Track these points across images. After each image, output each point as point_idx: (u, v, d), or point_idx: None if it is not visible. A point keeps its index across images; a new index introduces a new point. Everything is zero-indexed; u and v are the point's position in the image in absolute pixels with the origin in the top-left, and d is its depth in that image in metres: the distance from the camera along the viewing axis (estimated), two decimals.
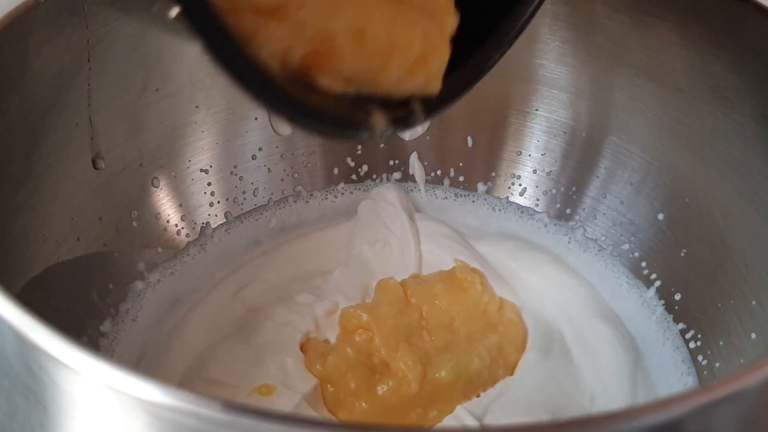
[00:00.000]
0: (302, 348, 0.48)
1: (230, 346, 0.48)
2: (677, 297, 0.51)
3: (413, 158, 0.60)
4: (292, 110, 0.27)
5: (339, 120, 0.29)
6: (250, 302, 0.51)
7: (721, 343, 0.47)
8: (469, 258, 0.53)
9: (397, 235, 0.55)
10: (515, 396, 0.46)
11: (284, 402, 0.44)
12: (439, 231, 0.56)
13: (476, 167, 0.59)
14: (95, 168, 0.49)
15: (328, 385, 0.46)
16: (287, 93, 0.27)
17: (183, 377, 0.46)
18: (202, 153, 0.55)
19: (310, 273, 0.54)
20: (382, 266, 0.54)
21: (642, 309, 0.52)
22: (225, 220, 0.56)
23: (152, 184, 0.53)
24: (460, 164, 0.60)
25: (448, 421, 0.45)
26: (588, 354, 0.49)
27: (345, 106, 0.29)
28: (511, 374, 0.48)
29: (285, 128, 0.58)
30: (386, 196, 0.57)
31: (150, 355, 0.48)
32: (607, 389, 0.47)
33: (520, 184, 0.59)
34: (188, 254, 0.54)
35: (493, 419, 0.45)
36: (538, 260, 0.54)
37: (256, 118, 0.57)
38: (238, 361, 0.46)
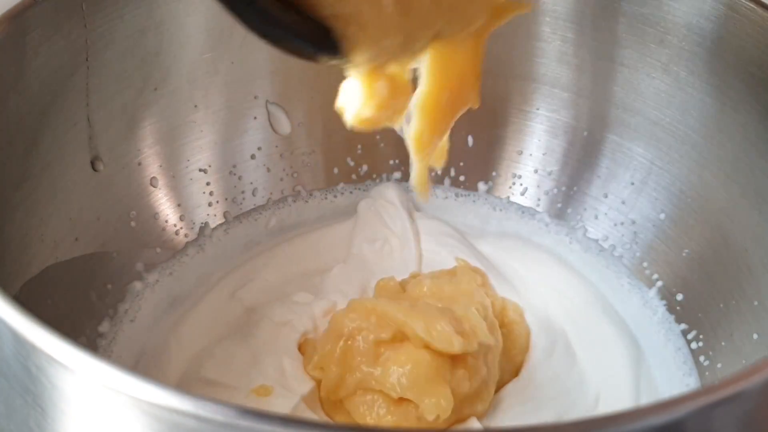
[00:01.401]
0: (300, 348, 0.48)
1: (228, 347, 0.47)
2: (679, 297, 0.51)
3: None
4: (269, 24, 0.29)
5: (314, 39, 0.30)
6: (247, 302, 0.51)
7: (723, 343, 0.47)
8: (470, 257, 0.53)
9: (397, 233, 0.55)
10: (520, 397, 0.46)
11: (282, 403, 0.44)
12: (440, 230, 0.56)
13: (477, 167, 0.59)
14: (94, 170, 0.49)
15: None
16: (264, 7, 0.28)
17: (181, 378, 0.46)
18: (200, 152, 0.55)
19: (309, 272, 0.54)
20: (381, 265, 0.54)
21: (643, 309, 0.52)
22: (224, 220, 0.56)
23: (151, 184, 0.53)
24: (461, 164, 0.59)
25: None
26: (592, 354, 0.49)
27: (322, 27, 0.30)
28: (516, 376, 0.48)
29: (284, 127, 0.58)
30: (386, 194, 0.57)
31: (148, 355, 0.48)
32: (611, 389, 0.47)
33: (521, 184, 0.59)
34: (187, 254, 0.54)
35: (497, 421, 0.45)
36: (540, 259, 0.54)
37: (255, 118, 0.57)
38: (235, 361, 0.46)
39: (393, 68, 0.35)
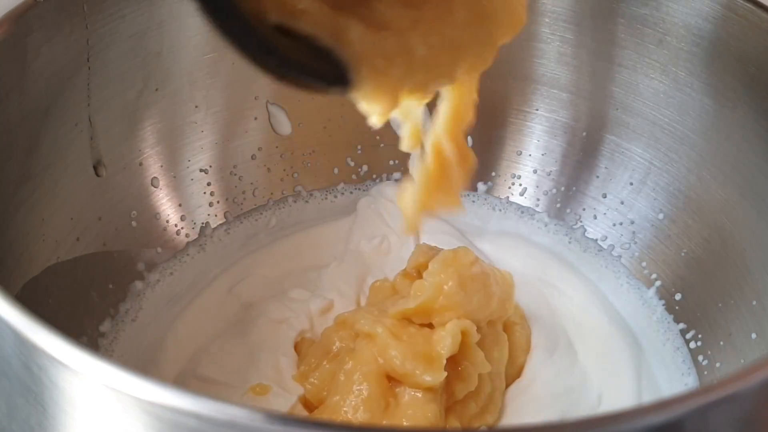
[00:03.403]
0: (296, 347, 0.48)
1: (225, 344, 0.47)
2: (678, 297, 0.51)
3: (414, 157, 0.59)
4: (268, 54, 0.28)
5: (315, 69, 0.30)
6: (244, 298, 0.51)
7: (721, 343, 0.47)
8: None
9: (397, 231, 0.55)
10: (524, 397, 0.46)
11: (279, 402, 0.44)
12: (440, 228, 0.56)
13: (476, 167, 0.59)
14: (97, 175, 0.49)
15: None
16: (265, 37, 0.28)
17: (178, 375, 0.46)
18: (201, 153, 0.55)
19: (305, 267, 0.54)
20: (378, 262, 0.54)
21: (642, 309, 0.52)
22: (224, 220, 0.56)
23: (152, 184, 0.53)
24: None
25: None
26: (593, 352, 0.49)
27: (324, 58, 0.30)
28: (519, 377, 0.48)
29: (285, 128, 0.58)
30: (386, 193, 0.57)
31: (146, 353, 0.48)
32: (613, 388, 0.47)
33: (520, 184, 0.59)
34: (188, 254, 0.54)
35: (501, 421, 0.45)
36: (540, 258, 0.54)
37: (255, 118, 0.57)
38: (232, 359, 0.46)
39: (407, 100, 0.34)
